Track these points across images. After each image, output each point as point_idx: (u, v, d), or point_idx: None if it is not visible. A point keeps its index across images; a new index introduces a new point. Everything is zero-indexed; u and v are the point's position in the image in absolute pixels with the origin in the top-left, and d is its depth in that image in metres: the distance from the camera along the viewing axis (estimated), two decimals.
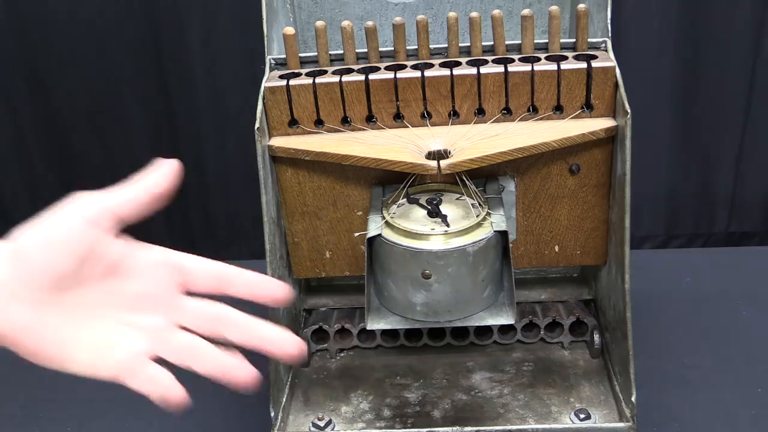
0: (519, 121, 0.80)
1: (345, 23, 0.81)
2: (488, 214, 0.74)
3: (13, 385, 0.98)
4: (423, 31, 0.81)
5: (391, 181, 0.81)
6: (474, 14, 0.80)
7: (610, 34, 0.80)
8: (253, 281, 0.53)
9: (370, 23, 0.81)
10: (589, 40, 0.81)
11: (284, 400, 0.85)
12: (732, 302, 1.07)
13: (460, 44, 0.82)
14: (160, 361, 0.50)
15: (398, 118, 0.81)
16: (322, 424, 0.82)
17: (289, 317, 0.89)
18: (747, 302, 1.07)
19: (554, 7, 0.80)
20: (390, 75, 0.79)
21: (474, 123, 0.80)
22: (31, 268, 0.47)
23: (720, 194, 1.44)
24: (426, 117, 0.81)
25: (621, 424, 0.79)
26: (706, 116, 1.37)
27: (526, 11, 0.79)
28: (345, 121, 0.81)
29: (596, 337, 0.91)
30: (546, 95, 0.79)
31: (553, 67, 0.78)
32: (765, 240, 1.46)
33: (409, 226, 0.72)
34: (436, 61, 0.81)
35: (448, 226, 0.73)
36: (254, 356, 0.50)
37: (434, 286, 0.72)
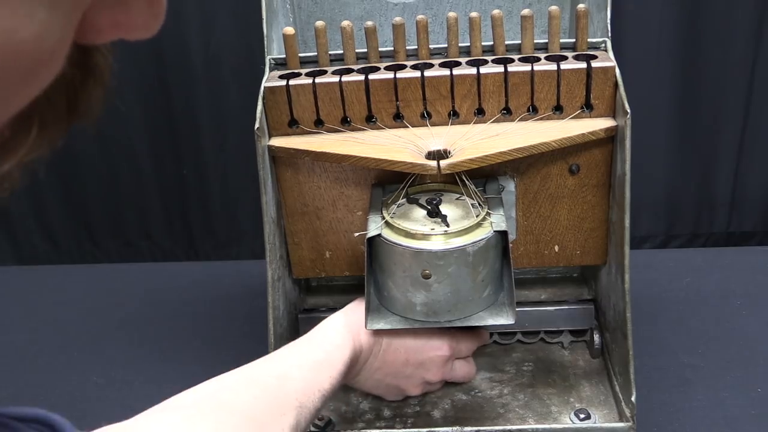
0: (519, 121, 0.80)
1: (345, 23, 0.81)
2: (488, 214, 0.74)
3: (13, 385, 0.98)
4: (423, 31, 0.81)
5: (391, 181, 0.81)
6: (474, 14, 0.80)
7: (610, 34, 0.80)
8: None
9: (370, 23, 0.81)
10: (589, 40, 0.81)
11: None
12: (732, 302, 1.07)
13: (460, 44, 0.82)
14: None
15: (398, 118, 0.81)
16: (322, 424, 0.82)
17: (289, 317, 0.89)
18: (747, 302, 1.07)
19: (554, 7, 0.80)
20: (390, 75, 0.79)
21: (474, 123, 0.80)
22: None
23: (720, 194, 1.44)
24: (426, 117, 0.80)
25: (621, 424, 0.79)
26: (706, 116, 1.37)
27: (526, 11, 0.79)
28: (345, 121, 0.81)
29: (596, 337, 0.91)
30: (546, 95, 0.79)
31: (553, 67, 0.78)
32: (765, 240, 1.46)
33: (409, 226, 0.72)
34: (436, 61, 0.81)
35: (448, 226, 0.73)
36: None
37: (434, 286, 0.72)
